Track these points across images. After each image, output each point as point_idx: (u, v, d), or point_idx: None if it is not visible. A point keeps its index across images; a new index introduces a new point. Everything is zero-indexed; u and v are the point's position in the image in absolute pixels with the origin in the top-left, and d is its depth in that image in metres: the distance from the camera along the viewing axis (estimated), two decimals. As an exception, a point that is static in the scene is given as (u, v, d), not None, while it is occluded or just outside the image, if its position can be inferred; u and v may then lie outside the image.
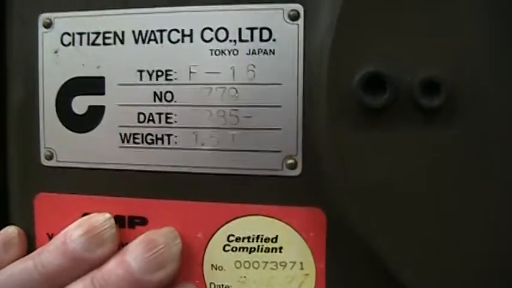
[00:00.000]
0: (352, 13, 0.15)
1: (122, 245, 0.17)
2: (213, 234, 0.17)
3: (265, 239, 0.17)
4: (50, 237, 0.18)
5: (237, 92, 0.17)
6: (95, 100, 0.18)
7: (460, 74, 0.14)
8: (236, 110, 0.17)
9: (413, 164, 0.14)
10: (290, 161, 0.17)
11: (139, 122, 0.17)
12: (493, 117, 0.14)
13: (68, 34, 0.18)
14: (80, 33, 0.18)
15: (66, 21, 0.18)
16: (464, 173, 0.14)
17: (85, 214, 0.18)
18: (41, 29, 0.18)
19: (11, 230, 0.18)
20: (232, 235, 0.17)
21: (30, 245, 0.18)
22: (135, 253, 0.17)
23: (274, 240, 0.17)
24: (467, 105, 0.14)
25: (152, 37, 0.17)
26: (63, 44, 0.18)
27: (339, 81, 0.15)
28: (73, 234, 0.17)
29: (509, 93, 0.14)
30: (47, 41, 0.18)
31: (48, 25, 0.18)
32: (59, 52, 0.18)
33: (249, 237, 0.17)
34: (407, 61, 0.14)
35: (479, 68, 0.14)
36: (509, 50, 0.14)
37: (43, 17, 0.18)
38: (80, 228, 0.17)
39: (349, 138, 0.15)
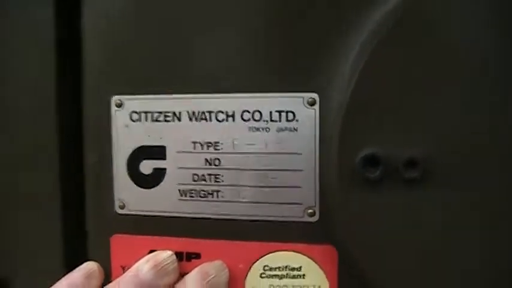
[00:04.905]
0: (356, 105, 0.20)
1: (181, 275, 0.23)
2: (252, 265, 0.23)
3: (292, 268, 0.22)
4: (124, 269, 0.23)
5: (268, 159, 0.22)
6: (158, 164, 0.23)
7: (437, 153, 0.20)
8: (268, 172, 0.22)
9: (402, 220, 0.20)
10: (310, 211, 0.22)
11: (193, 181, 0.23)
12: (466, 184, 0.20)
13: (136, 112, 0.23)
14: (146, 112, 0.23)
15: (134, 102, 0.23)
16: (444, 226, 0.20)
17: (151, 251, 0.23)
18: (114, 108, 0.23)
19: (91, 265, 0.23)
20: (267, 266, 0.23)
21: (106, 277, 0.24)
22: (193, 282, 0.22)
23: (299, 269, 0.22)
24: (442, 175, 0.20)
25: (203, 116, 0.23)
26: (132, 120, 0.23)
27: (345, 159, 0.20)
28: (144, 268, 0.22)
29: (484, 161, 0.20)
30: (119, 117, 0.23)
31: (119, 105, 0.23)
32: (129, 126, 0.23)
33: (279, 267, 0.23)
34: (396, 144, 0.20)
35: (455, 144, 0.19)
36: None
37: (115, 98, 0.23)
38: (149, 263, 0.22)
39: (354, 200, 0.20)
